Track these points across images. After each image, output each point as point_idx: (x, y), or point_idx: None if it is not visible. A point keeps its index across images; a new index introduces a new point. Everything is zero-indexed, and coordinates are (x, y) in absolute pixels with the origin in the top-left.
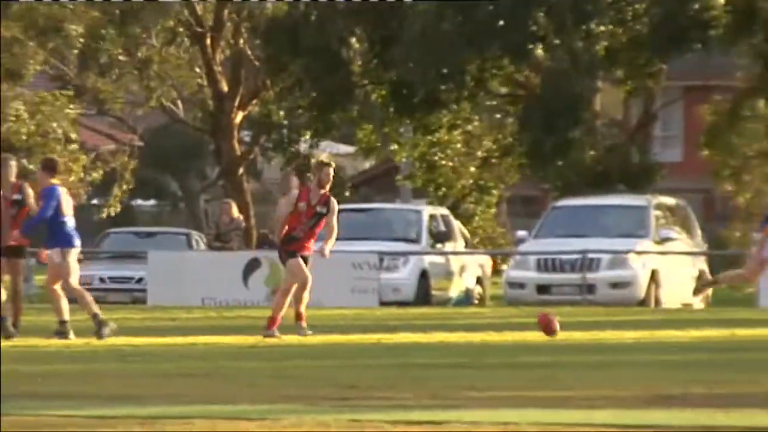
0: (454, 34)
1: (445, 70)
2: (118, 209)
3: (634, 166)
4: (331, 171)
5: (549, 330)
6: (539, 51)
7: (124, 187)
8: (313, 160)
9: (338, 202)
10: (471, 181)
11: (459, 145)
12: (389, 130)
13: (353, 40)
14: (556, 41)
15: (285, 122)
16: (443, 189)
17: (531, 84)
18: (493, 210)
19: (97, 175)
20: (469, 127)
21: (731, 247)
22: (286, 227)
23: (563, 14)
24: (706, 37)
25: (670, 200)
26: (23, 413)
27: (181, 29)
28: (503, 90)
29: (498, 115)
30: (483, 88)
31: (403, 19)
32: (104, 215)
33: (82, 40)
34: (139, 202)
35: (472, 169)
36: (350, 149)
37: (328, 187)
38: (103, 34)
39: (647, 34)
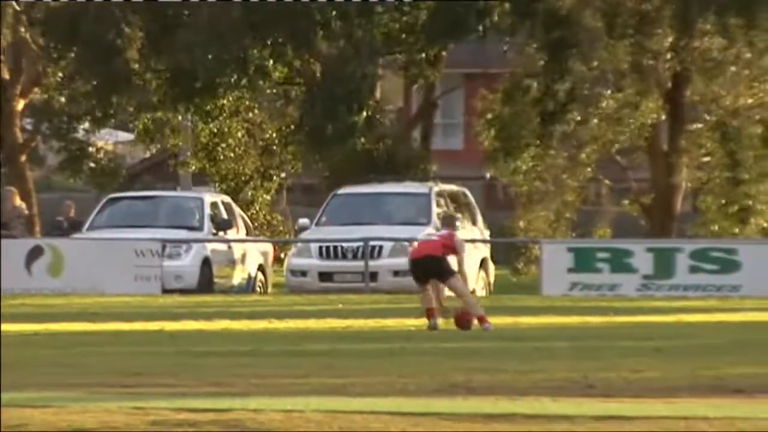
0: (239, 21)
1: (226, 57)
2: None
3: (412, 153)
4: None
5: (464, 323)
6: (321, 38)
7: None
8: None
9: (118, 191)
10: (252, 169)
11: (240, 134)
12: (164, 116)
13: (128, 29)
14: (338, 28)
15: (66, 110)
16: (224, 177)
17: (311, 71)
18: (269, 197)
19: None
20: (251, 114)
21: (515, 235)
22: None
23: (346, 1)
24: (484, 25)
25: (451, 188)
26: None
27: None
28: (282, 77)
29: (279, 103)
30: (263, 76)
31: (180, 8)
32: None
33: None
34: None
35: (253, 157)
36: (130, 137)
37: None
38: None
39: (424, 21)
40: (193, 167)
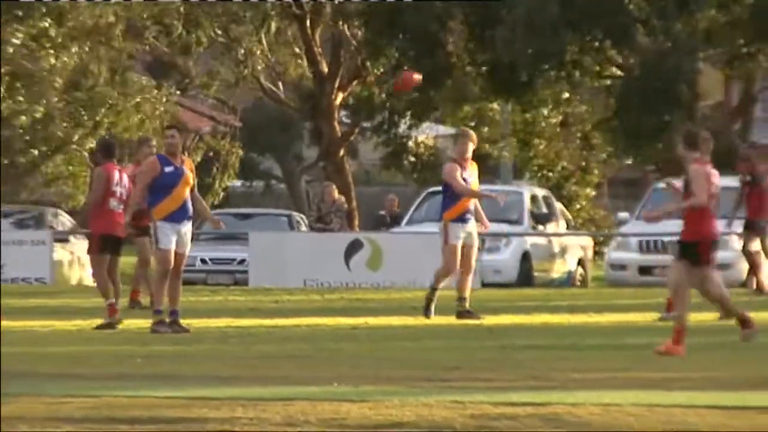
0: (557, 17)
1: (546, 52)
2: (220, 197)
3: (733, 147)
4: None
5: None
6: (641, 34)
7: (230, 173)
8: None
9: (438, 184)
10: (572, 163)
11: (554, 123)
12: (480, 108)
13: (451, 21)
14: (657, 24)
15: (386, 104)
16: (540, 168)
17: (629, 65)
18: (591, 191)
19: (196, 157)
20: (569, 109)
21: None
22: None
23: None
24: None
25: None
26: (119, 394)
27: (275, 11)
28: (600, 71)
29: (597, 97)
30: (581, 70)
31: (503, 1)
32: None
33: (177, 24)
34: (234, 183)
35: (573, 151)
36: (450, 130)
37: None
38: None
39: (747, 18)
40: (506, 153)
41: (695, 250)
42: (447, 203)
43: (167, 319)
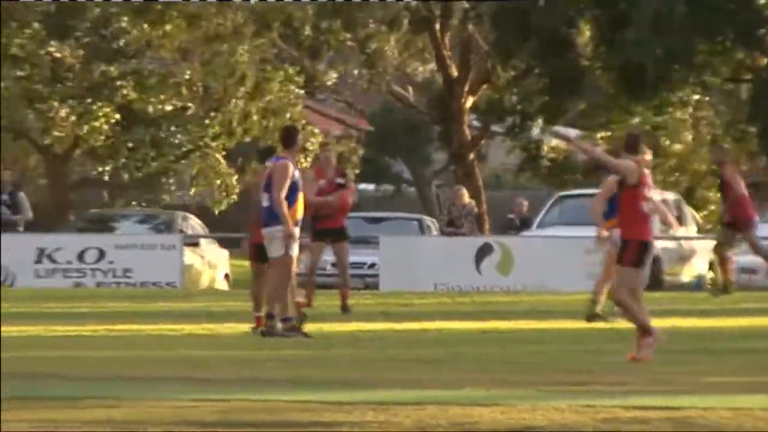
0: (685, 17)
1: (674, 53)
2: None
3: None
4: None
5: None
6: None
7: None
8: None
9: (571, 188)
10: (703, 167)
11: (687, 133)
12: (612, 117)
13: (582, 23)
14: None
15: (517, 107)
16: (672, 172)
17: (758, 66)
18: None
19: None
20: (703, 119)
21: None
22: None
23: None
24: None
25: None
26: (250, 398)
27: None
28: (731, 72)
29: (728, 99)
30: (711, 71)
31: (632, 1)
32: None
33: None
34: (363, 186)
35: (703, 155)
36: (581, 133)
37: None
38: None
39: None
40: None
41: None
42: (611, 211)
43: (282, 325)
